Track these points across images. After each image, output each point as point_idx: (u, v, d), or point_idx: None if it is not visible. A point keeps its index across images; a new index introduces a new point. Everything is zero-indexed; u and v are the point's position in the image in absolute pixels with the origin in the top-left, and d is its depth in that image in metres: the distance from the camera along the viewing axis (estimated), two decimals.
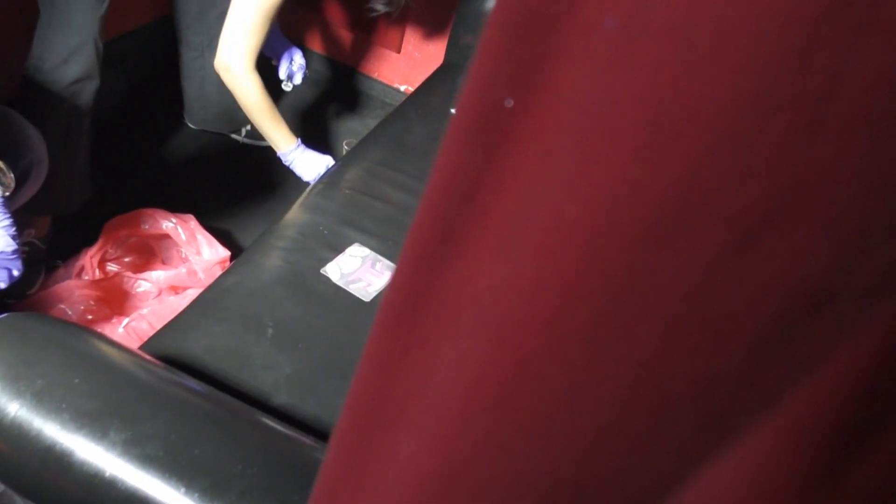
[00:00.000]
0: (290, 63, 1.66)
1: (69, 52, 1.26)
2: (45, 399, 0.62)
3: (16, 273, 0.86)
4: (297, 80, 1.67)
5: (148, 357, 0.77)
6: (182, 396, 0.69)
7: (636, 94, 0.15)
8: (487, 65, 0.17)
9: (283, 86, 1.65)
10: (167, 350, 0.96)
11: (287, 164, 1.49)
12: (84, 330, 0.74)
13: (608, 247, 0.16)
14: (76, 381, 0.64)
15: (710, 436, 0.18)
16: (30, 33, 1.33)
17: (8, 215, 0.85)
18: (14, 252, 0.85)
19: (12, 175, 0.87)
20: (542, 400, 0.18)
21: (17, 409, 0.61)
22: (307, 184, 1.47)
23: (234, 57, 1.35)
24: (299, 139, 1.48)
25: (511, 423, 0.18)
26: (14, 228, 0.85)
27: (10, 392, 0.62)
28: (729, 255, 0.16)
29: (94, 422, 0.61)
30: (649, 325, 0.17)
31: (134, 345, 1.26)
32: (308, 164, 1.48)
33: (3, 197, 0.85)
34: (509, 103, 0.16)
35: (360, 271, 1.14)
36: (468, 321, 0.18)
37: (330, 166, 1.48)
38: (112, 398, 0.64)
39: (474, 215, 0.17)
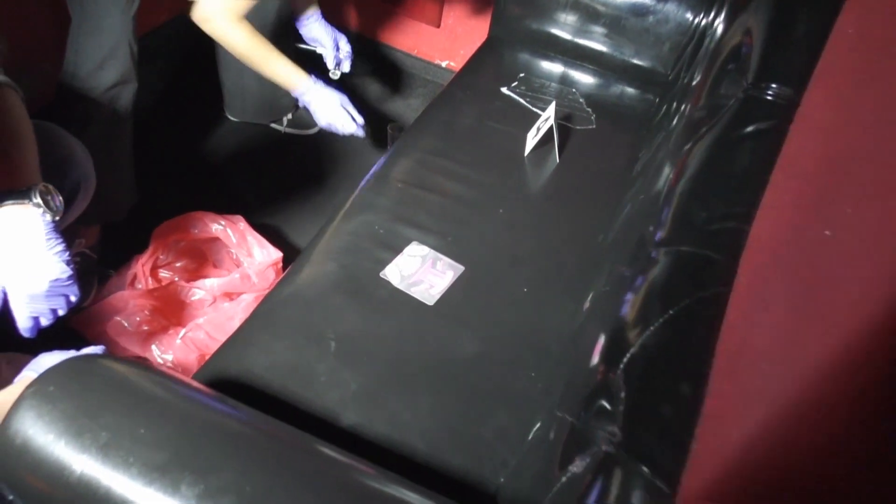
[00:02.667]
0: (337, 51, 1.59)
1: (103, 57, 1.22)
2: (111, 453, 0.58)
3: (73, 299, 0.83)
4: (345, 67, 1.61)
5: (210, 391, 0.72)
6: (252, 437, 0.65)
7: None
8: None
9: (330, 74, 1.59)
10: (228, 370, 0.92)
11: (304, 104, 1.42)
12: (143, 368, 0.70)
13: None
14: (142, 431, 0.60)
15: None
16: (63, 36, 1.28)
17: (60, 240, 0.81)
18: (70, 278, 0.81)
19: (60, 198, 0.82)
20: None
21: (83, 466, 0.57)
22: (332, 136, 1.36)
23: (214, 9, 1.27)
24: (312, 74, 1.41)
25: None
26: (67, 253, 0.81)
27: (75, 447, 0.58)
28: None
29: (164, 475, 0.57)
30: None
31: (192, 355, 1.23)
32: (323, 102, 1.40)
33: (53, 222, 0.81)
34: None
35: (421, 272, 1.08)
36: None
37: (344, 103, 1.41)
38: (181, 448, 0.60)
39: None
